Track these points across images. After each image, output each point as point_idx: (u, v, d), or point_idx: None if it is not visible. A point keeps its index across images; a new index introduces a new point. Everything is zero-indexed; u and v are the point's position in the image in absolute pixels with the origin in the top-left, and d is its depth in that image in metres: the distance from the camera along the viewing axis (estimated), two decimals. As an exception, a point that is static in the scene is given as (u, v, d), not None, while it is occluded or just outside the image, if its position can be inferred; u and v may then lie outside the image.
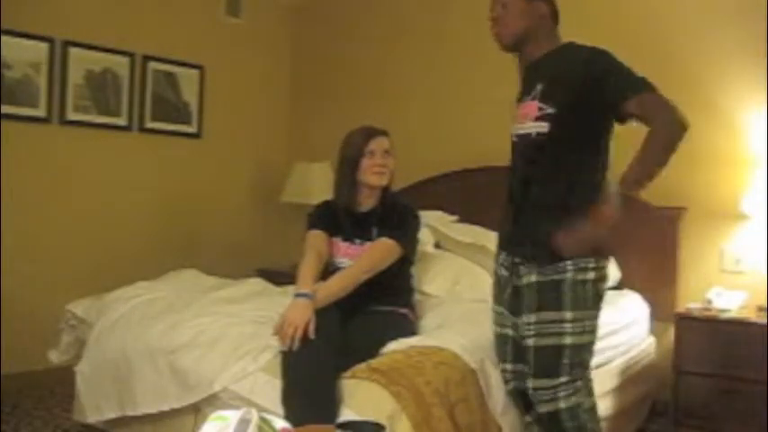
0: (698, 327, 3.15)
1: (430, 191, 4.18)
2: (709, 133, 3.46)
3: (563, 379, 2.07)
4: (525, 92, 2.16)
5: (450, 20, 4.35)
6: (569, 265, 2.04)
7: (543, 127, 2.06)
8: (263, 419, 1.33)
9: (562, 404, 2.07)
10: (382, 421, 1.90)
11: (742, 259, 3.41)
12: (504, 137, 4.24)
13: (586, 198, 2.02)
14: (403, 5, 4.57)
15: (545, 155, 2.09)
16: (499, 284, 2.29)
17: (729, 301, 3.21)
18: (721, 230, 3.45)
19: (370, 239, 2.70)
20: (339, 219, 2.76)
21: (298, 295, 2.41)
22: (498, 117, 4.11)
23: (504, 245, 2.28)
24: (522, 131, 2.14)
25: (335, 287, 2.51)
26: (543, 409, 2.11)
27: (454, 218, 3.91)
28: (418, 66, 4.47)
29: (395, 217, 2.72)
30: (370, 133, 2.75)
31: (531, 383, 2.13)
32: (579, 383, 2.09)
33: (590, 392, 2.16)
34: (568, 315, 2.05)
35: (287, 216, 4.67)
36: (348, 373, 2.16)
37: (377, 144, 2.73)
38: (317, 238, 2.73)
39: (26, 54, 3.73)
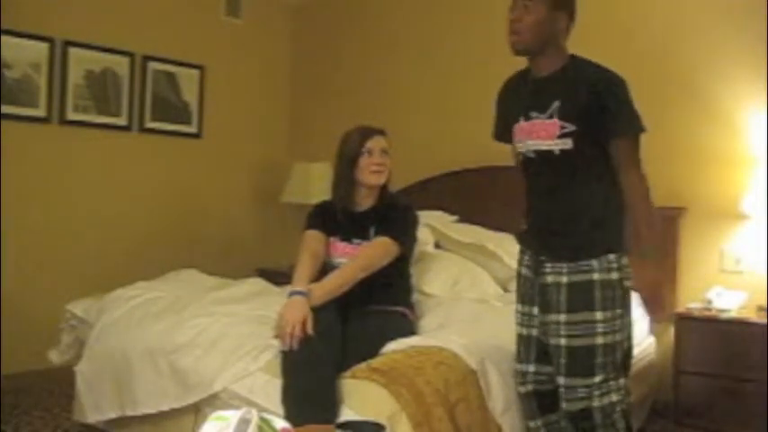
0: (698, 327, 3.15)
1: (430, 191, 4.18)
2: (710, 133, 3.46)
3: (597, 378, 2.10)
4: (536, 107, 2.15)
5: (450, 20, 4.35)
6: (595, 264, 2.10)
7: (567, 143, 2.10)
8: (263, 419, 1.33)
9: (596, 402, 2.11)
10: (382, 421, 1.90)
11: (742, 259, 3.41)
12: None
13: (615, 205, 2.15)
14: (403, 6, 4.57)
15: (572, 168, 2.13)
16: (525, 285, 2.29)
17: (729, 301, 3.21)
18: (721, 230, 3.45)
19: (367, 239, 2.69)
20: (337, 218, 2.76)
21: (292, 293, 2.42)
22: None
23: (528, 244, 2.30)
24: (542, 148, 2.15)
25: (332, 285, 2.51)
26: (576, 406, 2.13)
27: (454, 218, 3.91)
28: (418, 66, 4.47)
29: (393, 216, 2.72)
30: (368, 132, 2.75)
31: (562, 382, 2.14)
32: (613, 383, 2.13)
33: (626, 393, 2.19)
34: (599, 315, 2.10)
35: (287, 216, 4.67)
36: (348, 373, 2.16)
37: (374, 143, 2.73)
38: (313, 238, 2.73)
39: (26, 54, 3.73)
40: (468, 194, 4.00)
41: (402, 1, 4.58)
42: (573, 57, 2.18)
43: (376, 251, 2.63)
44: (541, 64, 2.17)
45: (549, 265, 2.17)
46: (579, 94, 2.08)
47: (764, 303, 3.16)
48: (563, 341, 2.13)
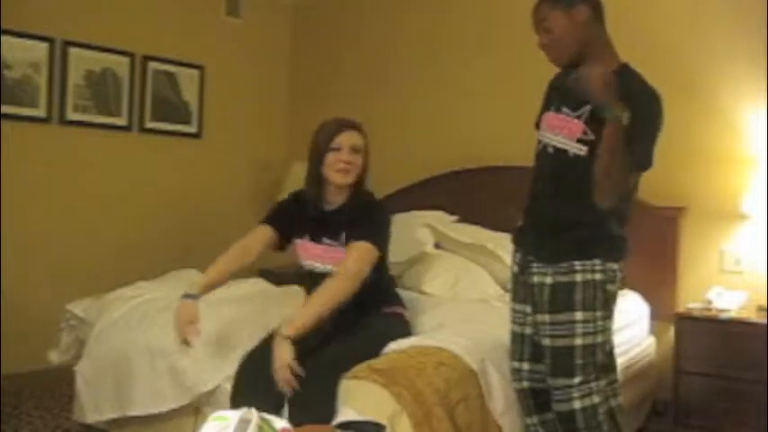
0: (698, 327, 3.15)
1: (430, 191, 4.18)
2: (710, 133, 3.46)
3: (577, 380, 2.10)
4: (570, 104, 2.13)
5: (450, 20, 4.35)
6: (578, 266, 2.10)
7: (582, 150, 2.09)
8: (263, 419, 1.33)
9: (577, 404, 2.11)
10: (383, 421, 1.90)
11: (742, 259, 3.41)
12: (503, 138, 4.25)
13: (608, 221, 2.12)
14: (402, 5, 4.56)
15: (580, 175, 2.08)
16: (517, 283, 2.31)
17: (729, 301, 3.21)
18: (721, 230, 3.45)
19: (337, 240, 2.53)
20: (307, 215, 2.59)
21: (183, 296, 2.39)
22: (498, 117, 4.13)
23: (520, 243, 2.31)
24: (559, 145, 2.14)
25: (313, 309, 2.30)
26: (559, 408, 2.15)
27: (454, 218, 3.91)
28: (418, 66, 4.46)
29: (363, 217, 2.54)
30: (339, 127, 2.55)
31: (549, 382, 2.17)
32: (594, 385, 2.12)
33: (610, 394, 2.19)
34: (579, 316, 2.09)
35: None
36: (349, 374, 2.16)
37: (345, 139, 2.51)
38: (257, 234, 2.61)
39: (26, 54, 3.72)
40: (468, 194, 3.99)
41: (402, 1, 4.58)
42: (624, 66, 2.14)
43: (363, 261, 2.42)
44: (588, 64, 2.12)
45: (535, 265, 2.18)
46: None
47: (764, 303, 3.16)
48: (547, 341, 2.15)
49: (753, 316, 3.13)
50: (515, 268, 2.31)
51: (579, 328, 2.10)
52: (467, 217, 3.88)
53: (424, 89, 4.44)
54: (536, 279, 2.18)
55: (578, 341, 2.10)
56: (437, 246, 3.69)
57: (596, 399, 2.13)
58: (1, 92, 3.62)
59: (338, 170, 2.50)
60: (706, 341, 3.12)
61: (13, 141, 3.67)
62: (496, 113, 4.11)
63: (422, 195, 4.12)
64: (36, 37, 3.76)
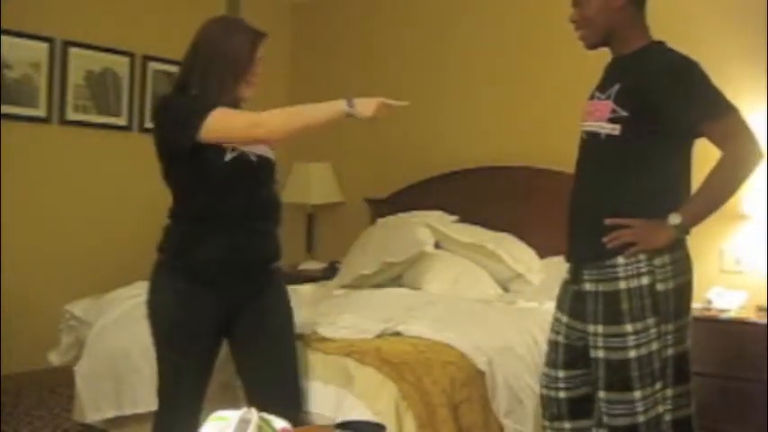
0: (698, 327, 3.12)
1: (430, 191, 4.18)
2: (709, 133, 3.46)
3: (637, 394, 1.97)
4: (600, 89, 2.08)
5: (452, 19, 4.35)
6: (620, 270, 1.97)
7: (615, 129, 1.99)
8: (263, 419, 1.33)
9: (641, 418, 1.97)
10: (388, 416, 1.91)
11: (742, 259, 3.41)
12: (503, 138, 4.24)
13: (653, 208, 2.00)
14: (403, 5, 4.56)
15: (615, 158, 2.02)
16: (562, 290, 2.19)
17: (729, 301, 3.21)
18: (721, 230, 3.45)
19: None
20: None
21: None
22: (498, 117, 4.13)
23: (568, 249, 2.18)
24: (590, 129, 2.07)
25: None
26: (618, 422, 2.00)
27: (454, 218, 3.91)
28: (418, 66, 4.46)
29: None
30: (257, 36, 2.20)
31: (602, 396, 2.02)
32: (659, 395, 1.98)
33: (685, 403, 2.02)
34: (629, 328, 1.95)
35: (287, 216, 4.64)
36: (353, 354, 2.15)
37: (261, 50, 2.19)
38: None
39: (26, 54, 3.73)
40: (468, 194, 3.99)
41: (402, 1, 4.58)
42: (654, 42, 2.08)
43: None
44: (616, 46, 2.09)
45: (585, 271, 2.05)
46: (645, 80, 1.98)
47: (764, 303, 3.16)
48: (601, 354, 2.00)
49: (753, 316, 3.13)
50: (566, 275, 2.18)
51: (631, 341, 1.95)
52: (467, 217, 3.88)
53: (425, 89, 4.43)
54: (587, 286, 2.04)
55: (632, 354, 1.95)
56: (437, 246, 3.69)
57: (661, 408, 1.97)
58: (1, 92, 3.62)
59: (249, 83, 2.17)
60: (706, 341, 3.10)
61: (13, 141, 3.67)
62: (496, 114, 4.12)
63: (422, 195, 4.12)
64: (36, 37, 3.76)
